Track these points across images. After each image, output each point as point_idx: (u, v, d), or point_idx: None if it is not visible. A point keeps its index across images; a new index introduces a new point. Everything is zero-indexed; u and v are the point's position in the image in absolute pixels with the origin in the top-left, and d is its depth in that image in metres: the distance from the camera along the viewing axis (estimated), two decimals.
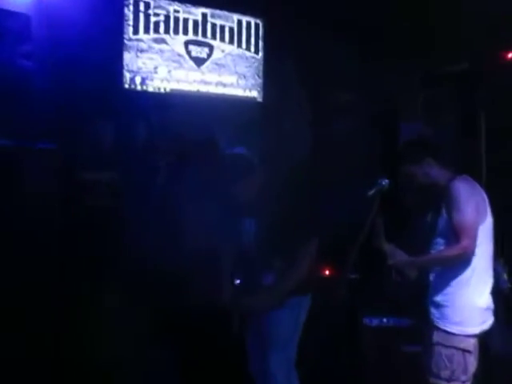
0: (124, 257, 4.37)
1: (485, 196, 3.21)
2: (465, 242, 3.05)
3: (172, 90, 4.74)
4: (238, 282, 4.48)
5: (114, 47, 4.53)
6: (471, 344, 3.10)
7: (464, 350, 3.08)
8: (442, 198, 3.18)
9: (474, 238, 3.07)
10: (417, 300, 3.27)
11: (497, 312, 4.15)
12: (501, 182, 4.97)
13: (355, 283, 4.69)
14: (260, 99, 5.06)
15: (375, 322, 4.54)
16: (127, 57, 4.57)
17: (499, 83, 5.12)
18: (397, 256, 3.23)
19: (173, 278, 4.48)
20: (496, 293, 4.08)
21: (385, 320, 4.53)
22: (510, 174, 4.94)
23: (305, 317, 3.51)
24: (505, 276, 4.22)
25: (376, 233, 3.23)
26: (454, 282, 3.13)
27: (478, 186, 3.22)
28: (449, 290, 3.15)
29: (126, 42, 4.57)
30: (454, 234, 3.08)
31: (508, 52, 5.12)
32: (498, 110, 5.16)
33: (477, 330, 3.13)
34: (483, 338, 3.24)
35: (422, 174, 3.24)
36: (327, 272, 4.67)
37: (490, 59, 5.14)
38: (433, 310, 3.19)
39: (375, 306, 4.59)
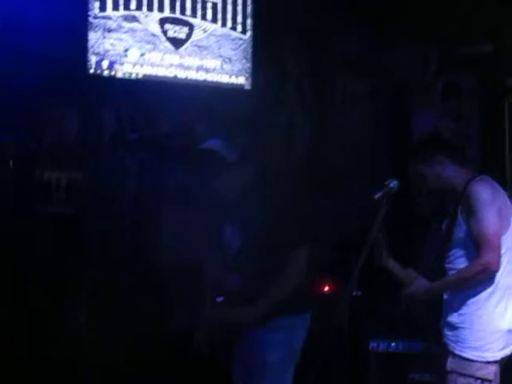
0: (88, 273, 4.37)
1: (507, 200, 3.16)
2: (487, 256, 2.96)
3: (145, 75, 4.67)
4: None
5: (78, 26, 4.47)
6: (491, 372, 3.05)
7: (483, 380, 3.03)
8: (458, 203, 3.14)
9: (497, 250, 2.99)
10: (430, 321, 3.23)
11: None
12: None
13: (359, 301, 4.67)
14: (248, 86, 4.99)
15: (382, 346, 4.50)
16: (93, 37, 4.50)
17: None
18: (415, 284, 3.19)
19: (148, 296, 4.49)
20: None
21: (393, 344, 4.50)
22: None
23: (302, 340, 3.44)
24: None
25: (378, 249, 3.18)
26: (472, 300, 3.07)
27: (499, 188, 3.17)
28: (466, 309, 3.09)
29: (91, 20, 4.50)
30: (474, 244, 3.04)
31: None
32: None
33: (498, 355, 3.07)
34: (508, 364, 3.21)
35: (432, 176, 3.16)
36: (326, 288, 4.64)
37: None
38: (447, 333, 3.14)
39: (382, 327, 4.56)
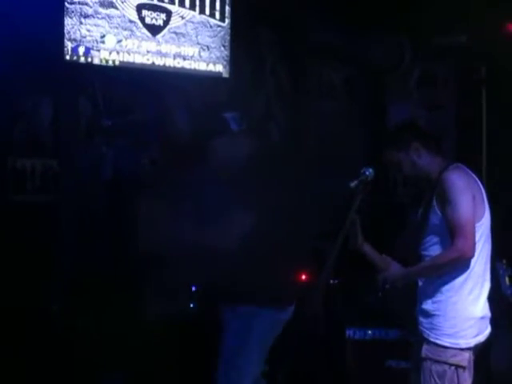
0: (61, 265, 4.33)
1: (482, 188, 3.16)
2: (461, 243, 2.97)
3: (122, 62, 4.60)
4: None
5: (53, 12, 4.40)
6: (465, 358, 3.06)
7: (457, 366, 3.04)
8: (432, 191, 3.14)
9: (471, 237, 3.00)
10: (405, 309, 3.23)
11: (498, 321, 4.15)
12: (503, 172, 4.97)
13: (336, 289, 4.67)
14: (226, 74, 4.95)
15: (359, 334, 4.52)
16: (69, 23, 4.43)
17: (501, 57, 5.11)
18: (389, 268, 3.19)
19: (126, 285, 4.46)
20: (497, 299, 4.07)
21: (370, 332, 4.51)
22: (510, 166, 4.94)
23: (265, 330, 3.48)
24: (507, 280, 4.22)
25: (352, 232, 3.18)
26: (446, 288, 3.08)
27: (474, 176, 3.17)
28: (440, 296, 3.10)
29: (66, 5, 4.42)
30: (449, 231, 3.04)
31: (510, 24, 5.12)
32: (500, 87, 5.15)
33: (472, 342, 3.09)
34: (482, 350, 3.22)
35: (408, 163, 3.17)
36: (304, 277, 4.63)
37: (490, 30, 5.13)
38: (422, 320, 3.15)
39: (359, 315, 4.57)
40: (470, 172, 3.18)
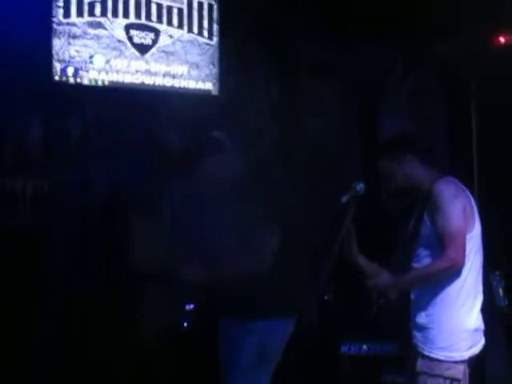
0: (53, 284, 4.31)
1: (472, 200, 3.17)
2: (452, 252, 2.98)
3: (111, 82, 4.62)
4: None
5: (42, 32, 4.41)
6: (460, 371, 3.05)
7: (452, 379, 3.03)
8: (423, 203, 3.14)
9: (462, 247, 3.00)
10: (399, 323, 3.22)
11: (493, 333, 4.14)
12: (494, 184, 4.98)
13: (330, 304, 4.65)
14: (216, 92, 4.96)
15: (354, 349, 4.50)
16: (57, 44, 4.45)
17: (491, 69, 5.14)
18: (379, 276, 3.18)
19: (119, 306, 4.44)
20: (492, 311, 4.07)
21: (365, 347, 4.50)
22: (504, 175, 4.95)
23: (278, 345, 3.44)
24: (501, 291, 4.22)
25: (347, 243, 3.17)
26: (439, 300, 3.08)
27: (464, 188, 3.18)
28: (433, 309, 3.09)
29: (55, 26, 4.44)
30: (440, 243, 3.04)
31: (500, 36, 5.15)
32: (491, 99, 5.17)
33: (466, 354, 3.08)
34: (477, 362, 3.21)
35: (401, 175, 3.18)
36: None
37: (481, 42, 5.16)
38: (416, 334, 3.14)
39: (354, 330, 4.55)
40: (460, 184, 3.19)
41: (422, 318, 3.12)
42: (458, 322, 3.08)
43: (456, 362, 3.04)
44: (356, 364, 4.47)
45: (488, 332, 3.25)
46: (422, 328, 3.11)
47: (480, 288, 3.16)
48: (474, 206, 3.15)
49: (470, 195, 3.18)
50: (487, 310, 3.29)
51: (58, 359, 4.22)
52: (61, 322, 4.31)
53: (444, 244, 3.00)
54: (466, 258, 3.05)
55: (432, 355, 3.06)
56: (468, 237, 3.06)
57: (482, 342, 3.16)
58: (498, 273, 4.27)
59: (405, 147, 3.25)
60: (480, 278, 3.15)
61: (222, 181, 3.46)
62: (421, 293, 3.14)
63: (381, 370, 4.34)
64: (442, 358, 3.05)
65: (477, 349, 3.12)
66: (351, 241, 3.19)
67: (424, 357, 3.08)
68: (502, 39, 5.14)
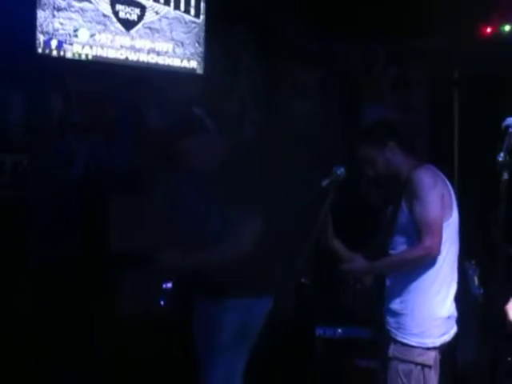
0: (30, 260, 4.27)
1: (451, 189, 3.18)
2: (428, 241, 2.99)
3: (95, 56, 4.56)
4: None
5: (25, 4, 4.35)
6: (431, 358, 3.07)
7: (423, 365, 3.06)
8: (402, 190, 3.15)
9: (439, 235, 3.01)
10: (373, 308, 3.24)
11: (467, 321, 4.18)
12: (474, 173, 5.01)
13: (306, 288, 4.67)
14: (200, 71, 4.92)
15: (329, 332, 4.53)
16: (41, 16, 4.38)
17: (476, 60, 5.16)
18: (354, 261, 3.19)
19: (95, 284, 4.43)
20: (466, 299, 4.11)
21: (339, 331, 4.52)
22: (484, 165, 4.97)
23: (257, 324, 3.42)
24: (476, 280, 4.26)
25: (323, 228, 3.18)
26: (414, 287, 3.10)
27: (443, 176, 3.20)
28: (407, 296, 3.11)
29: None
30: (416, 230, 3.06)
31: (486, 26, 5.16)
32: (473, 90, 5.20)
33: (438, 341, 3.10)
34: (449, 350, 3.24)
35: (382, 161, 3.17)
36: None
37: (465, 34, 5.17)
38: (389, 320, 3.16)
39: (329, 314, 4.57)
40: (439, 172, 3.20)
41: (396, 304, 3.14)
42: (431, 309, 3.10)
43: (428, 349, 3.07)
44: (330, 347, 4.50)
45: (461, 320, 3.28)
46: (396, 314, 3.13)
47: (455, 276, 3.18)
48: (453, 195, 3.17)
49: (449, 183, 3.19)
50: (461, 299, 3.32)
51: (34, 335, 4.20)
52: (37, 297, 4.29)
53: (420, 232, 3.01)
54: (442, 246, 3.07)
55: (404, 341, 3.09)
56: (445, 225, 3.08)
57: (454, 329, 3.19)
58: (473, 261, 4.31)
59: (387, 134, 3.24)
60: (455, 266, 3.18)
61: (202, 161, 3.42)
62: (396, 279, 3.16)
63: (355, 355, 4.37)
64: (414, 344, 3.07)
65: (449, 336, 3.15)
66: (327, 224, 3.19)
67: (396, 342, 3.10)
68: (486, 30, 5.15)
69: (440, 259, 3.09)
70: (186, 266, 3.37)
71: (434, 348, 3.09)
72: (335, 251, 3.26)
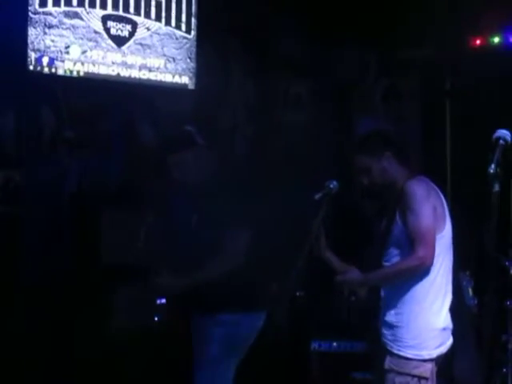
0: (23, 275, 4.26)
1: (444, 201, 3.17)
2: (421, 251, 2.96)
3: (87, 73, 4.58)
4: None
5: (17, 22, 4.36)
6: (428, 370, 3.05)
7: (420, 377, 3.03)
8: (396, 202, 3.16)
9: (432, 246, 2.99)
10: (369, 321, 3.23)
11: (462, 332, 4.17)
12: (467, 184, 5.02)
13: (301, 301, 4.66)
14: (192, 86, 4.94)
15: (324, 346, 4.51)
16: (33, 33, 4.39)
17: (466, 71, 5.18)
18: (348, 272, 3.19)
19: (89, 298, 4.41)
20: (461, 310, 4.10)
21: (335, 344, 4.51)
22: (477, 175, 4.98)
23: (247, 338, 3.45)
24: (470, 291, 4.26)
25: (316, 238, 3.17)
26: (408, 300, 3.08)
27: (436, 188, 3.19)
28: (402, 308, 3.08)
29: (31, 15, 4.39)
30: (410, 242, 3.05)
31: (475, 38, 5.20)
32: (464, 100, 5.21)
33: (434, 353, 3.07)
34: (445, 361, 3.24)
35: (378, 170, 3.13)
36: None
37: (455, 45, 5.20)
38: (385, 332, 3.14)
39: (324, 327, 4.56)
40: (433, 184, 3.20)
41: (391, 317, 3.13)
42: (426, 320, 3.09)
43: (424, 361, 3.06)
44: (326, 361, 4.48)
45: (456, 331, 3.27)
46: (391, 326, 3.12)
47: (449, 288, 3.18)
48: (446, 207, 3.17)
49: (442, 195, 3.19)
50: (456, 310, 3.31)
51: (28, 348, 4.18)
52: (31, 312, 4.27)
53: (414, 242, 3.01)
54: (436, 257, 3.06)
55: (400, 353, 3.07)
56: (438, 237, 3.08)
57: (450, 340, 3.18)
58: (467, 272, 4.31)
59: (384, 143, 3.21)
60: (450, 277, 3.17)
61: (192, 174, 3.44)
62: (391, 292, 3.15)
63: (350, 368, 4.35)
64: (410, 356, 3.06)
65: (445, 347, 3.14)
66: (320, 236, 3.19)
67: (393, 355, 3.08)
68: (476, 41, 5.18)
69: (434, 271, 3.08)
70: (179, 288, 3.39)
71: (431, 360, 3.07)
72: (328, 263, 3.26)
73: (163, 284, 3.41)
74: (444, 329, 3.12)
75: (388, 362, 3.08)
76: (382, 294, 3.17)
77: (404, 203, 3.06)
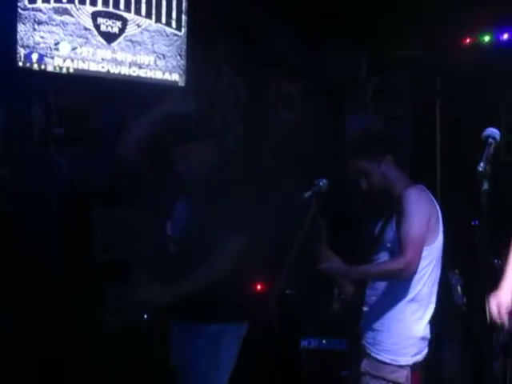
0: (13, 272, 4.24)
1: (439, 213, 3.15)
2: (408, 256, 2.94)
3: (76, 70, 4.55)
4: None
5: (5, 18, 4.33)
6: (403, 376, 3.04)
7: (394, 382, 3.03)
8: (393, 208, 3.09)
9: (419, 254, 2.98)
10: (352, 322, 3.22)
11: (451, 330, 4.18)
12: (456, 182, 5.03)
13: (291, 299, 4.66)
14: (182, 84, 4.91)
15: (314, 343, 4.51)
16: (22, 29, 4.35)
17: (456, 71, 5.19)
18: (332, 261, 3.13)
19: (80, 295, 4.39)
20: (450, 309, 4.11)
21: (324, 342, 4.51)
22: (466, 173, 4.99)
23: (232, 350, 3.32)
24: (459, 289, 4.26)
25: (317, 234, 3.14)
26: (392, 305, 3.05)
27: (433, 199, 3.14)
28: (385, 313, 3.07)
29: (20, 11, 4.34)
30: (400, 251, 3.00)
31: (465, 37, 5.20)
32: (454, 99, 5.22)
33: (411, 360, 3.07)
34: (433, 362, 3.25)
35: (377, 174, 3.10)
36: (259, 287, 4.62)
37: (445, 44, 5.21)
38: (365, 335, 3.12)
39: (314, 325, 4.56)
40: (429, 193, 3.17)
41: (373, 321, 3.12)
42: (408, 328, 3.09)
43: (400, 367, 3.06)
44: (315, 359, 4.48)
45: (445, 330, 3.28)
46: (373, 330, 3.12)
47: (433, 299, 3.16)
48: (440, 219, 3.14)
49: (438, 207, 3.16)
50: (445, 310, 3.32)
51: (16, 346, 4.16)
52: (20, 309, 4.25)
53: (403, 247, 2.98)
54: (426, 268, 3.07)
55: (378, 357, 3.07)
56: (429, 248, 3.06)
57: (426, 350, 3.17)
58: (456, 271, 4.31)
59: (386, 147, 3.16)
60: (435, 289, 3.16)
61: (196, 170, 3.32)
62: (376, 296, 3.14)
63: (340, 365, 4.35)
64: (387, 360, 3.06)
65: (421, 356, 3.14)
66: (322, 233, 3.15)
67: (370, 358, 3.08)
68: (467, 40, 5.18)
69: (421, 280, 3.09)
70: (167, 299, 3.22)
71: (407, 366, 3.08)
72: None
73: (149, 296, 3.25)
74: (423, 338, 3.14)
75: (364, 365, 3.09)
76: (368, 297, 3.16)
77: (401, 210, 3.03)
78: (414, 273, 3.01)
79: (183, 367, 3.31)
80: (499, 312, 2.83)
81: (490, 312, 2.94)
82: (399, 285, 3.07)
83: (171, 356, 3.41)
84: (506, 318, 2.83)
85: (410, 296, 3.07)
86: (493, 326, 2.83)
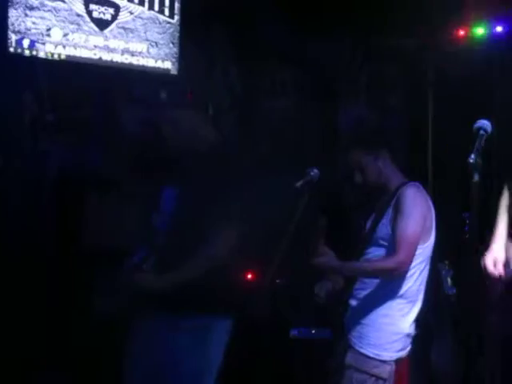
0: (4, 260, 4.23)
1: (433, 212, 3.12)
2: (402, 256, 2.95)
3: (68, 56, 4.52)
4: None
5: None
6: (386, 371, 3.03)
7: (377, 377, 3.02)
8: (388, 203, 3.07)
9: (412, 254, 2.98)
10: (338, 312, 3.22)
11: (441, 321, 4.20)
12: (447, 174, 5.04)
13: (281, 289, 4.67)
14: (175, 72, 4.89)
15: (304, 332, 4.52)
16: (13, 15, 4.33)
17: (450, 62, 5.19)
18: (325, 256, 3.13)
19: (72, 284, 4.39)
20: (440, 301, 4.13)
21: (314, 331, 4.52)
22: (458, 165, 5.00)
23: (219, 347, 3.16)
24: (449, 281, 4.28)
25: (317, 234, 3.13)
26: (380, 301, 3.06)
27: (428, 197, 3.13)
28: (372, 308, 3.06)
29: None
30: (393, 245, 2.99)
31: (460, 29, 5.20)
32: (448, 90, 5.22)
33: (394, 356, 3.06)
34: (422, 354, 3.26)
35: (373, 169, 3.07)
36: (249, 276, 4.62)
37: (439, 36, 5.20)
38: (351, 328, 3.11)
39: (304, 315, 4.57)
40: (426, 192, 3.16)
41: (360, 314, 3.12)
42: (393, 323, 3.09)
43: (384, 362, 3.05)
44: (306, 348, 4.50)
45: (435, 321, 3.29)
46: (358, 324, 3.12)
47: (420, 297, 3.16)
48: (434, 218, 3.14)
49: (432, 206, 3.16)
50: (435, 301, 3.33)
51: (8, 334, 4.15)
52: (11, 297, 4.24)
53: (398, 245, 2.97)
54: (417, 266, 3.07)
55: (362, 350, 3.07)
56: (422, 247, 3.06)
57: (409, 347, 3.18)
58: (446, 262, 4.32)
59: (383, 141, 3.14)
60: (423, 287, 3.16)
61: (189, 139, 3.19)
62: (365, 290, 3.15)
63: (330, 355, 4.36)
64: (371, 355, 3.05)
65: (405, 352, 3.14)
66: (321, 233, 3.14)
67: (354, 351, 3.08)
68: (460, 32, 5.18)
69: (411, 278, 3.08)
70: (161, 287, 3.05)
71: (391, 361, 3.09)
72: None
73: (143, 283, 3.09)
74: (408, 335, 3.15)
75: (349, 358, 3.09)
76: (355, 291, 3.16)
77: (397, 207, 3.03)
78: (406, 273, 3.02)
79: (165, 368, 3.09)
80: (496, 266, 3.10)
81: (485, 268, 3.16)
82: (389, 281, 3.07)
83: (140, 359, 3.18)
84: (502, 271, 3.15)
85: (398, 293, 3.08)
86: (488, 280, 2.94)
